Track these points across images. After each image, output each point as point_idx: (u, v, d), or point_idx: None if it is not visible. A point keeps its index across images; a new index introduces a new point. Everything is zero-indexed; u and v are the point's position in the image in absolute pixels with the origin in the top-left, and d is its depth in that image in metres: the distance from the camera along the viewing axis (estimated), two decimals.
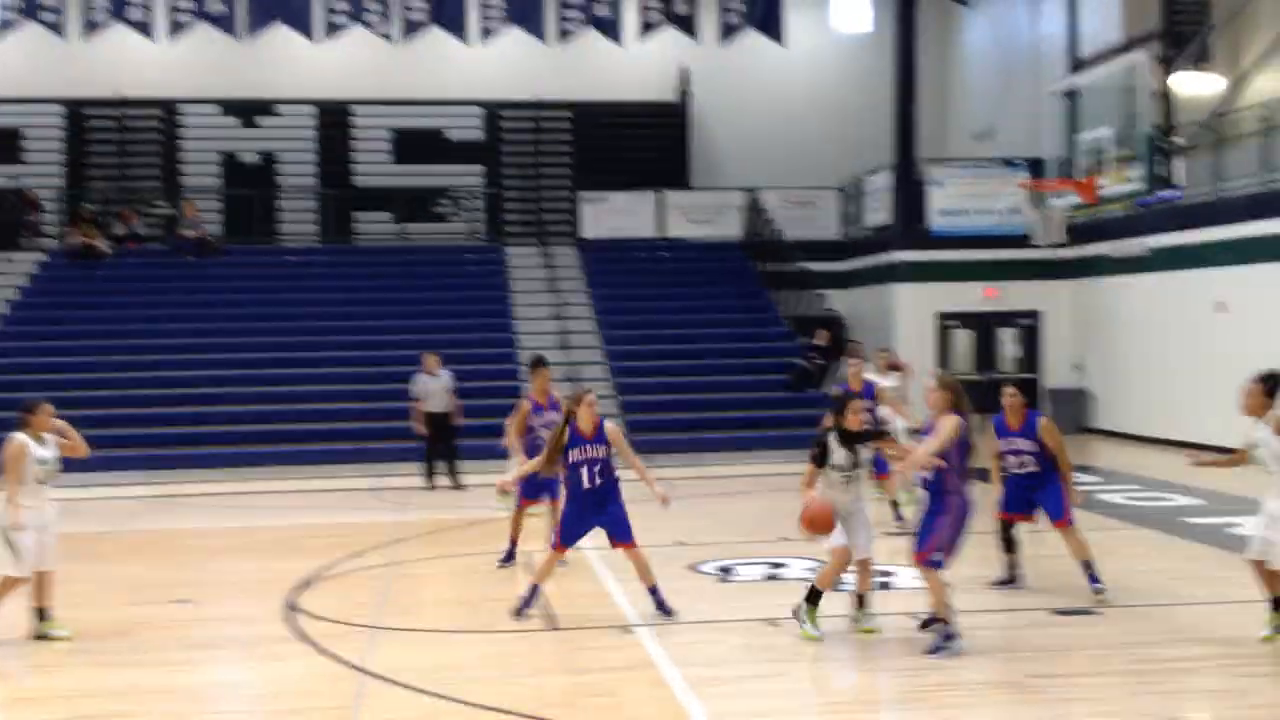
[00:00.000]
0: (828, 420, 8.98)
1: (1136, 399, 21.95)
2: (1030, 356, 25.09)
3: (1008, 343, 25.29)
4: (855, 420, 8.71)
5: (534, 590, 9.53)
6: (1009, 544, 10.21)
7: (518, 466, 11.04)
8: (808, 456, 8.79)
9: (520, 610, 9.42)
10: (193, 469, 19.56)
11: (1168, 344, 21.14)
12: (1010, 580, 10.19)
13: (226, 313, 24.38)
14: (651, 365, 22.75)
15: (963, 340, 25.09)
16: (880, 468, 11.93)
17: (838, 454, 8.71)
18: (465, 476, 17.42)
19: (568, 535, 9.57)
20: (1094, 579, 9.69)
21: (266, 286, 25.67)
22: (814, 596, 8.72)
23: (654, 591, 9.44)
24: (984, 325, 25.02)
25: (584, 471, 9.39)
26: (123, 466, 18.66)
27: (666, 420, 20.80)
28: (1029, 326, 25.09)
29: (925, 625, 8.55)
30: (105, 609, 10.16)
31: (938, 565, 8.30)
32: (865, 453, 8.84)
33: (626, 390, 21.70)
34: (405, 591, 11.00)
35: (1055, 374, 24.64)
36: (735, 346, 23.88)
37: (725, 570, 11.29)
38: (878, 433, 9.64)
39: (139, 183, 29.08)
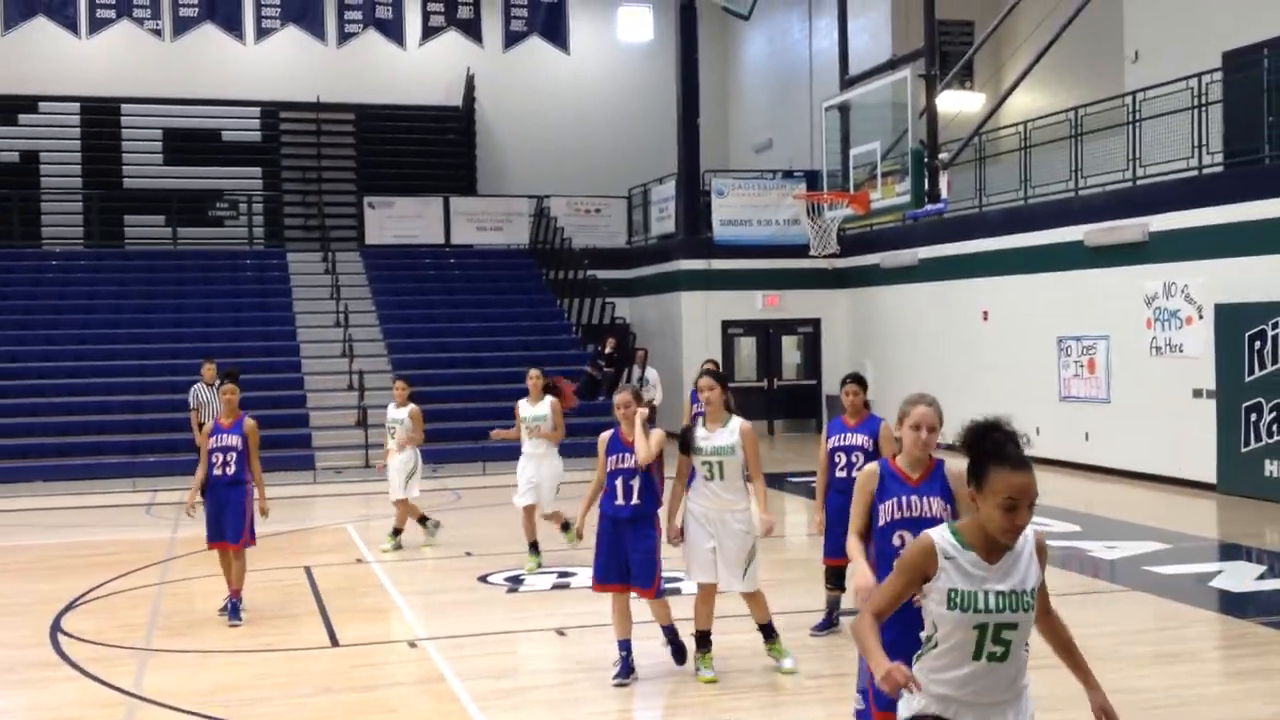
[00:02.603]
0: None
1: None
2: (811, 363, 25.89)
3: (790, 350, 26.06)
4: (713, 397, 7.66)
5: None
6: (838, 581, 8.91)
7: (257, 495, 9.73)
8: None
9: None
10: None
11: (939, 351, 22.11)
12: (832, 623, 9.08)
13: None
14: (439, 374, 22.52)
15: (746, 347, 25.70)
16: None
17: (700, 434, 7.68)
18: None
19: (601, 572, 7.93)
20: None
21: (28, 292, 24.38)
22: (703, 641, 7.91)
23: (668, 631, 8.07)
24: (766, 333, 25.67)
25: (618, 484, 7.83)
26: None
27: (455, 429, 20.60)
28: (809, 334, 25.89)
29: None
30: None
31: None
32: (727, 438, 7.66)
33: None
34: (179, 611, 10.58)
35: (835, 380, 25.44)
36: (523, 355, 23.79)
37: (514, 580, 11.26)
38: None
39: None
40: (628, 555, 7.73)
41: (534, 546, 11.64)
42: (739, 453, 7.66)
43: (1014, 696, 3.81)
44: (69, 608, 10.39)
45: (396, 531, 12.94)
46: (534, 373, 11.94)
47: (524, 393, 12.00)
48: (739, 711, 7.32)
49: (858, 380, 8.95)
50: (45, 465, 19.34)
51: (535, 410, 11.73)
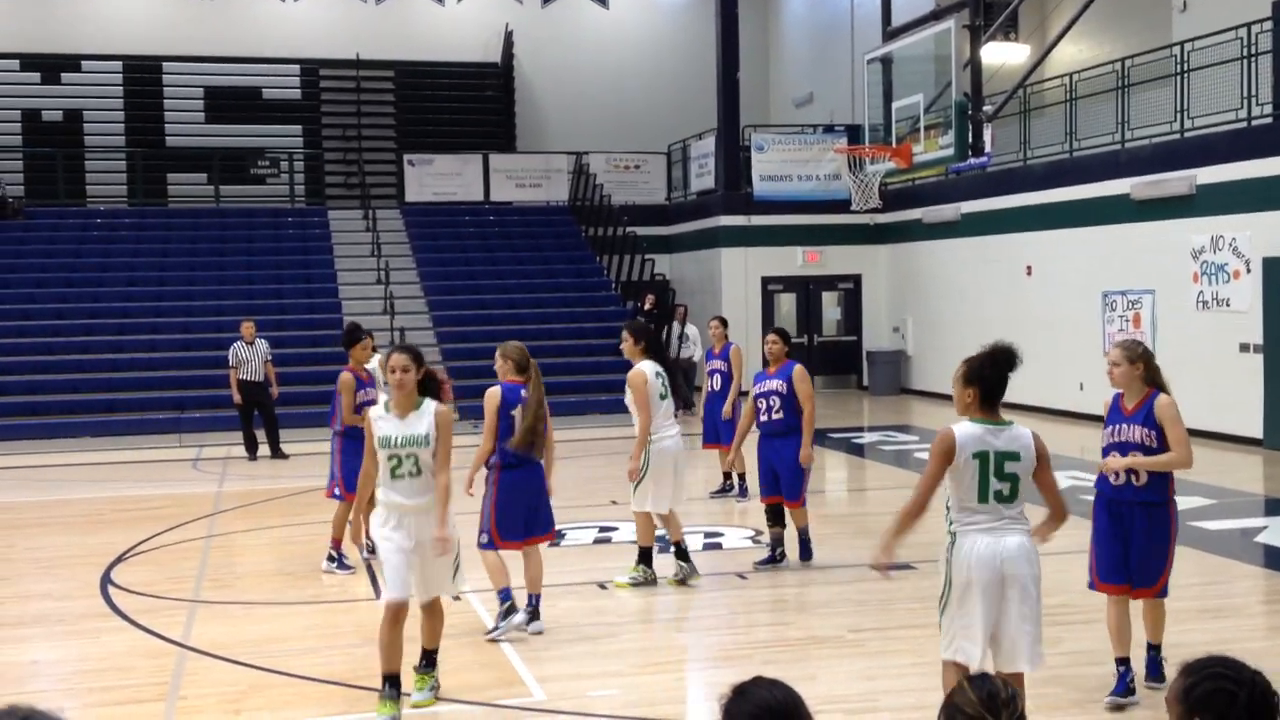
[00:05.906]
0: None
1: (952, 360, 22.66)
2: (852, 319, 25.76)
3: (830, 306, 25.93)
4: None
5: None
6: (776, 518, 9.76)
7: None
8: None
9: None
10: None
11: (980, 306, 21.93)
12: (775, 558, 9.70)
13: (29, 278, 23.32)
14: (479, 330, 22.57)
15: (786, 304, 25.59)
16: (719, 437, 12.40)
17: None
18: (287, 446, 17.05)
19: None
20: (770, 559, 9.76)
21: (73, 250, 24.61)
22: (645, 558, 9.33)
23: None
24: (807, 289, 25.55)
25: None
26: None
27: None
28: (850, 290, 25.74)
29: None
30: None
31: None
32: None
33: (453, 356, 21.50)
34: (225, 564, 10.73)
35: (875, 336, 25.34)
36: (563, 311, 23.86)
37: (556, 534, 11.28)
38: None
39: None
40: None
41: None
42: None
43: None
44: (118, 560, 10.54)
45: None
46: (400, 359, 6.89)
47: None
48: (781, 664, 7.34)
49: (777, 331, 9.89)
50: (92, 421, 19.58)
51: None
